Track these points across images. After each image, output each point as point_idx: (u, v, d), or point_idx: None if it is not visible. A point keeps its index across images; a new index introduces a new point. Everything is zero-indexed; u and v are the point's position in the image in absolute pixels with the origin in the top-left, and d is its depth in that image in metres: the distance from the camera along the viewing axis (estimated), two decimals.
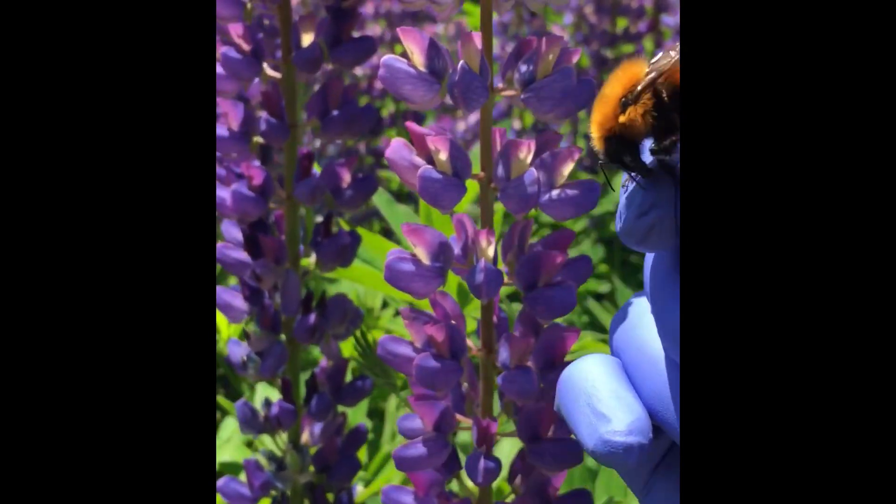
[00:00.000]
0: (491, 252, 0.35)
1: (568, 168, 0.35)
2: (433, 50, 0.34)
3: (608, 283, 1.17)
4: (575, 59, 0.35)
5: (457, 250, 0.39)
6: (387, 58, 0.34)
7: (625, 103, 0.28)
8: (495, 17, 1.31)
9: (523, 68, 0.34)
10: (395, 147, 0.36)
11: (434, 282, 0.36)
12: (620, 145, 0.28)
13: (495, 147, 0.37)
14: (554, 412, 0.38)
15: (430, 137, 0.33)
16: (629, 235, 0.26)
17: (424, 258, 0.36)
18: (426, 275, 0.35)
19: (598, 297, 1.21)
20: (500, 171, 0.34)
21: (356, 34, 0.50)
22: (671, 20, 1.13)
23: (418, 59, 0.34)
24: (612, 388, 0.26)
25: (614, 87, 0.29)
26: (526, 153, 0.34)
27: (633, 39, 1.23)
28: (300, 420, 0.52)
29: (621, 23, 1.24)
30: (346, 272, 0.56)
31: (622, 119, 0.28)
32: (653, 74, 0.28)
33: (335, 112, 0.48)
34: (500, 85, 0.36)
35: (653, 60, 0.29)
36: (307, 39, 0.48)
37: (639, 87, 0.28)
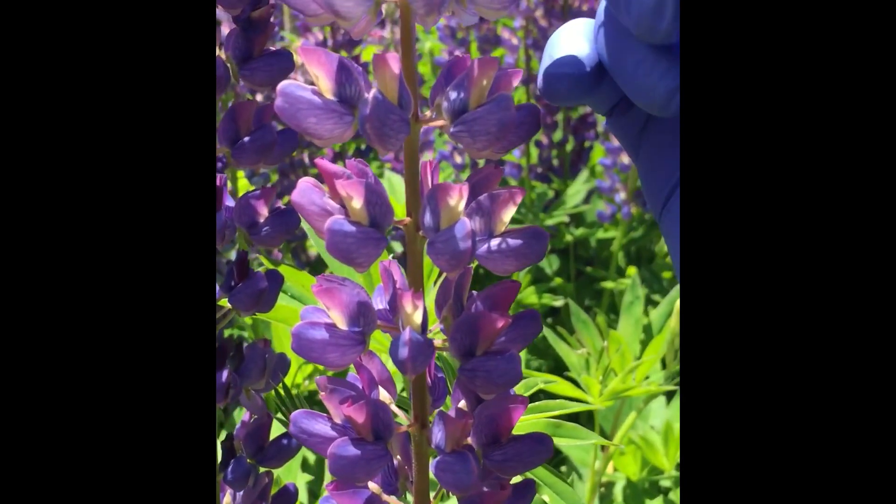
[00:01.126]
0: (419, 318, 0.29)
1: (509, 213, 0.30)
2: (344, 73, 0.28)
3: (563, 298, 1.12)
4: (515, 83, 0.29)
5: (383, 304, 0.34)
6: (285, 84, 0.27)
7: None
8: (442, 21, 1.25)
9: (453, 95, 0.28)
10: (303, 189, 0.30)
11: (352, 351, 0.30)
12: None
13: (425, 184, 0.32)
14: (501, 494, 0.32)
15: (341, 182, 0.28)
16: None
17: (340, 322, 0.30)
18: (342, 343, 0.29)
19: (553, 311, 1.16)
20: (428, 219, 0.29)
21: (271, 47, 0.44)
22: None
23: (325, 85, 0.28)
24: (572, 39, 0.30)
25: None
26: (457, 199, 0.28)
27: None
28: (217, 487, 0.46)
29: None
30: (269, 314, 0.49)
31: None
32: None
33: (246, 139, 0.42)
34: (427, 113, 0.30)
35: None
36: None
37: None
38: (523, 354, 1.13)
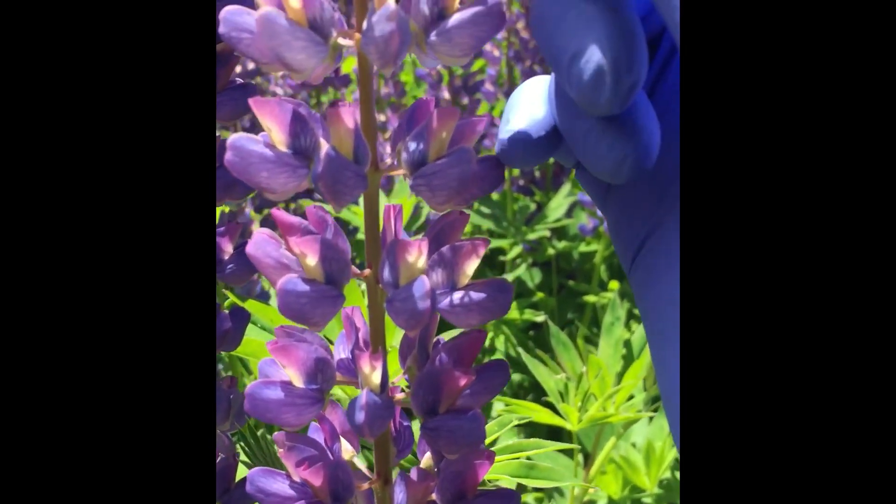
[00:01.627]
0: (377, 378, 0.28)
1: (472, 265, 0.29)
2: (298, 124, 0.27)
3: (544, 313, 1.11)
4: (479, 130, 0.28)
5: (345, 353, 0.32)
6: (235, 138, 0.26)
7: None
8: None
9: (412, 146, 0.27)
10: (258, 242, 0.29)
11: (309, 410, 0.29)
12: None
13: (388, 230, 0.30)
14: None
15: (295, 239, 0.26)
16: None
17: (297, 380, 0.29)
18: (299, 403, 0.28)
19: (535, 326, 1.15)
20: (387, 274, 0.27)
21: (238, 80, 0.42)
22: None
23: (278, 136, 0.27)
24: (529, 101, 0.29)
25: None
26: (416, 256, 0.27)
27: None
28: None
29: None
30: (238, 350, 0.48)
31: None
32: None
33: None
34: (388, 160, 0.29)
35: None
36: None
37: None
38: None
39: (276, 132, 0.27)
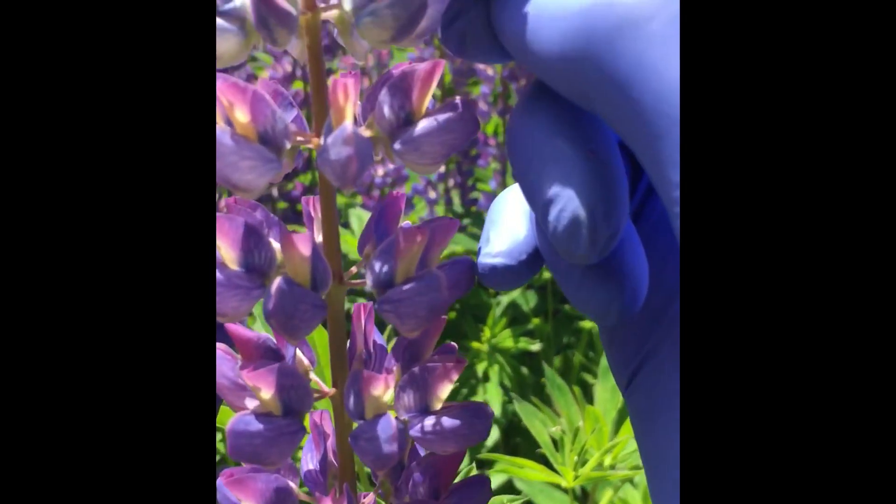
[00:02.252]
0: None
1: (446, 389, 0.26)
2: (251, 239, 0.24)
3: (540, 341, 1.09)
4: (451, 235, 0.26)
5: (314, 463, 0.30)
6: None
7: None
8: (412, 51, 1.19)
9: (377, 266, 0.24)
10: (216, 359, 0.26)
11: None
12: None
13: (357, 337, 0.28)
14: None
15: (247, 372, 0.24)
16: (446, 44, 0.25)
17: None
18: None
19: (530, 355, 1.12)
20: (352, 403, 0.25)
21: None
22: None
23: (229, 254, 0.24)
24: (511, 217, 0.27)
25: None
26: (383, 390, 0.24)
27: None
28: None
29: None
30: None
31: None
32: None
33: None
34: (353, 269, 0.26)
35: None
36: None
37: None
38: (500, 396, 1.10)
39: (225, 249, 0.24)
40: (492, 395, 1.06)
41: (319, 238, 0.27)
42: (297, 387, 0.24)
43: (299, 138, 0.24)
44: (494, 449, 1.06)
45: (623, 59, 0.20)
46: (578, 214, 0.22)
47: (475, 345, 1.07)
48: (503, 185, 1.18)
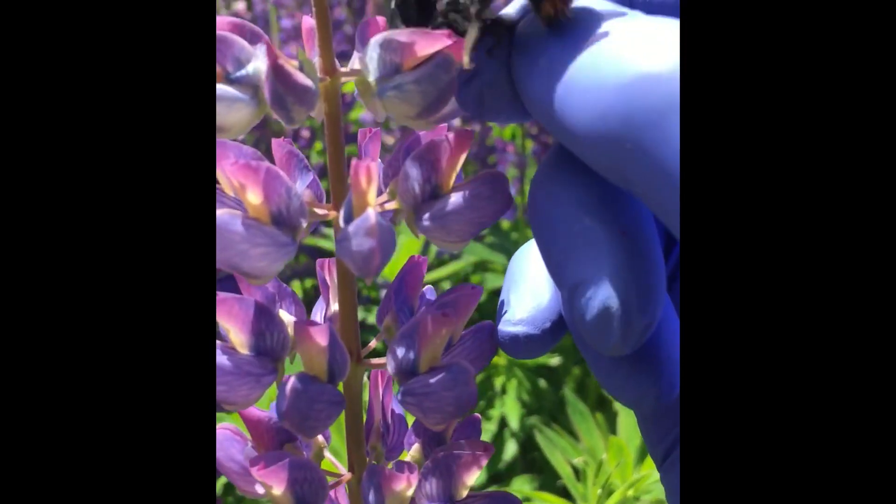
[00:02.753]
0: None
1: (473, 476, 0.24)
2: (262, 321, 0.22)
3: (558, 355, 1.07)
4: (474, 304, 0.24)
5: None
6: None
7: None
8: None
9: (400, 351, 0.22)
10: (221, 441, 0.24)
11: None
12: None
13: (375, 407, 0.26)
14: None
15: (258, 470, 0.22)
16: (463, 105, 0.22)
17: None
18: None
19: (548, 369, 1.10)
20: (371, 498, 0.23)
21: None
22: None
23: (239, 338, 0.22)
24: (532, 280, 0.24)
25: None
26: (405, 487, 0.22)
27: None
28: None
29: None
30: None
31: None
32: None
33: None
34: (372, 343, 0.25)
35: None
36: None
37: None
38: (518, 410, 1.08)
39: (235, 333, 0.22)
40: (509, 410, 1.04)
41: (335, 307, 0.25)
42: (310, 480, 0.23)
43: (318, 210, 0.22)
44: (512, 464, 1.04)
45: (668, 145, 0.18)
46: (610, 305, 0.20)
47: (493, 359, 1.05)
48: (522, 194, 1.16)
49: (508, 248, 1.11)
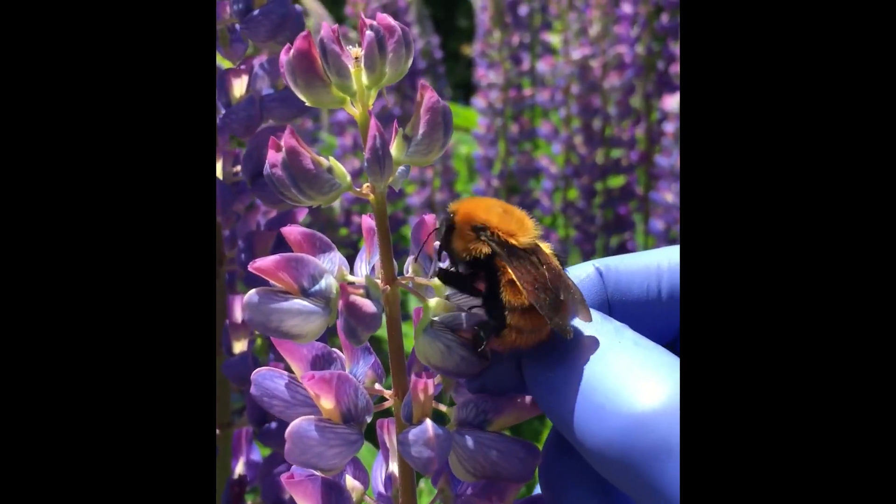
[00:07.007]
0: None
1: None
2: (332, 495, 0.25)
3: None
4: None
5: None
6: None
7: None
8: (479, 150, 1.18)
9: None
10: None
11: None
12: None
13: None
14: None
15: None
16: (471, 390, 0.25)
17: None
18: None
19: None
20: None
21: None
22: (665, 161, 1.04)
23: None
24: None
25: None
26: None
27: (625, 171, 1.15)
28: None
29: (614, 153, 1.16)
30: None
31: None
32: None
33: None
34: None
35: None
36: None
37: None
38: None
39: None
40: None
41: (393, 467, 0.28)
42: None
43: (382, 398, 0.25)
44: None
45: (666, 479, 0.20)
46: None
47: None
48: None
49: None
